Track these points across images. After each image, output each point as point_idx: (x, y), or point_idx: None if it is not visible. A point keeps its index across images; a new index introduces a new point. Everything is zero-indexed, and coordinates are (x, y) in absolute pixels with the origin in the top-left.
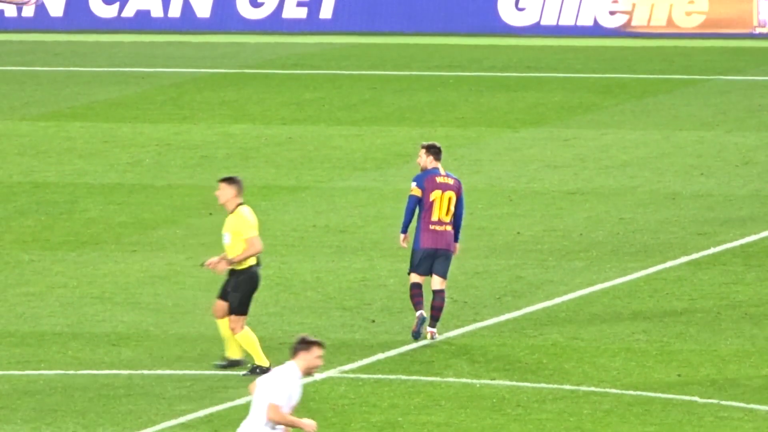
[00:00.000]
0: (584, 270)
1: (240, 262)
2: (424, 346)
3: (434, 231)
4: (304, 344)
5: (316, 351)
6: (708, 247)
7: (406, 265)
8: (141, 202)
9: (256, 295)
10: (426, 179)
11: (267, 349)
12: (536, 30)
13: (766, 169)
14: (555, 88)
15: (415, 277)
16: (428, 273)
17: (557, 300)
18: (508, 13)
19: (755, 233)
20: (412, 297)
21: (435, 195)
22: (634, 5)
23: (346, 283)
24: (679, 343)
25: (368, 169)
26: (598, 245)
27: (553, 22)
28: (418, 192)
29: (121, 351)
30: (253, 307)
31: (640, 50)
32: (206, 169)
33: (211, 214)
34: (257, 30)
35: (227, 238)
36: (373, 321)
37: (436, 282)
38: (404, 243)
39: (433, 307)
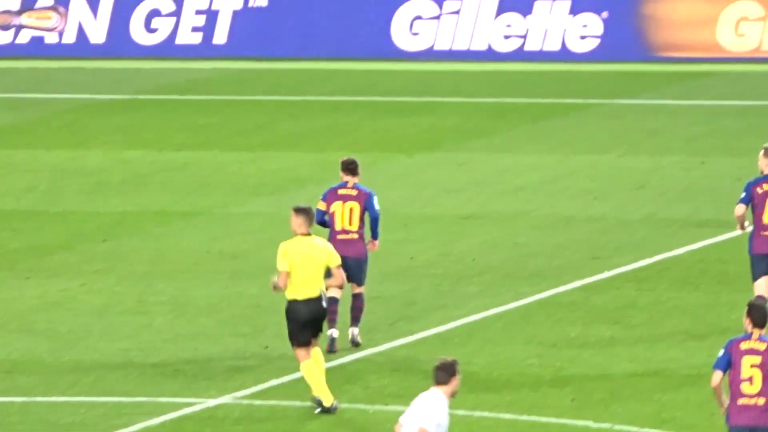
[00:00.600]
0: (478, 295)
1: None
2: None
3: (340, 240)
4: (451, 370)
5: (458, 375)
6: (602, 271)
7: None
8: (36, 228)
9: (152, 322)
10: (329, 192)
11: (161, 376)
12: (430, 55)
13: (659, 193)
14: (449, 113)
15: (331, 291)
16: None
17: (451, 325)
18: (402, 38)
19: (649, 257)
20: (328, 313)
21: (335, 207)
22: (527, 30)
23: (240, 309)
24: (572, 368)
25: (263, 194)
26: (493, 270)
27: (447, 47)
28: (322, 206)
29: (16, 378)
30: (146, 333)
31: (533, 74)
32: (101, 195)
33: (105, 240)
34: (152, 56)
35: None
36: (267, 347)
37: (354, 288)
38: None
39: (352, 309)
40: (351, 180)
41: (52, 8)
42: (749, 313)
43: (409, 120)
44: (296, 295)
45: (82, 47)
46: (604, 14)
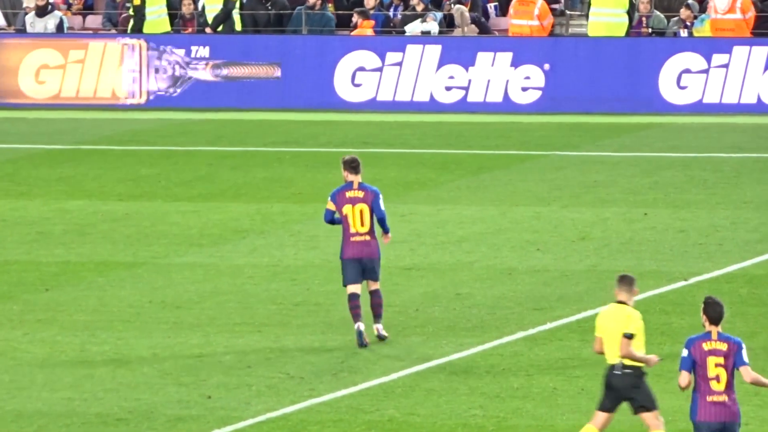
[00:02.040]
0: (420, 345)
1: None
2: (261, 422)
3: (354, 242)
4: None
5: None
6: (544, 323)
7: (243, 341)
8: None
9: (94, 372)
10: (338, 195)
11: (104, 425)
12: (372, 105)
13: (602, 245)
14: (391, 164)
15: (351, 288)
16: (360, 280)
17: (393, 375)
18: (344, 89)
19: (592, 308)
20: (351, 309)
21: (346, 210)
22: (470, 81)
23: (182, 359)
24: (515, 419)
25: (205, 245)
26: (435, 321)
27: (390, 98)
28: (331, 206)
29: None
30: (88, 383)
31: (476, 126)
32: (42, 244)
33: (47, 290)
34: (95, 107)
35: None
36: (209, 397)
37: (371, 285)
38: None
39: (373, 306)
40: (355, 179)
41: None
42: (705, 311)
43: None
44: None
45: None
46: (546, 66)
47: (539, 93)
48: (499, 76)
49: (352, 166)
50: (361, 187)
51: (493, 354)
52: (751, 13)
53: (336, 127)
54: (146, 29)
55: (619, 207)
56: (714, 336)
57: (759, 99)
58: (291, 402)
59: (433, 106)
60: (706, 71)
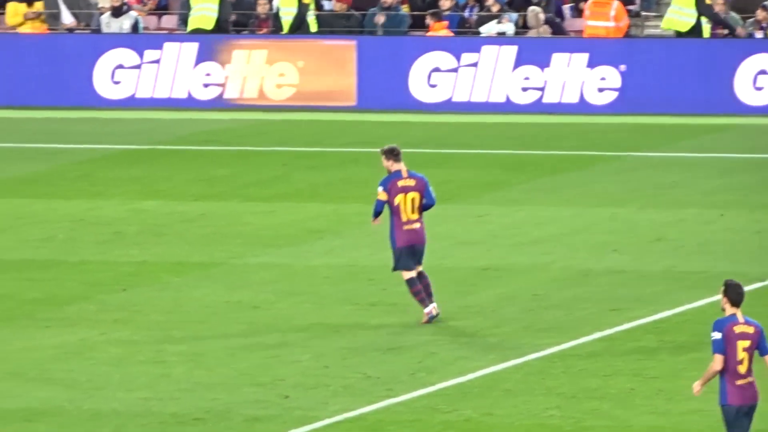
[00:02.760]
0: (497, 346)
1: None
2: (338, 422)
3: (407, 230)
4: None
5: None
6: (621, 323)
7: (319, 341)
8: (54, 278)
9: (171, 372)
10: (390, 184)
11: (181, 425)
12: (448, 107)
13: (678, 246)
14: (467, 165)
15: (408, 274)
16: (413, 266)
17: (470, 376)
18: (419, 90)
19: (668, 309)
20: (415, 294)
21: (399, 199)
22: (545, 82)
23: (259, 359)
24: (592, 420)
25: (280, 245)
26: (511, 321)
27: (465, 99)
28: (384, 196)
29: (35, 427)
30: (165, 383)
31: (552, 127)
32: (118, 245)
33: (123, 290)
34: (170, 107)
35: None
36: (287, 397)
37: (417, 268)
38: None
39: (425, 287)
40: (402, 168)
41: None
42: (727, 293)
43: (426, 172)
44: None
45: (99, 98)
46: (622, 67)
47: (615, 94)
48: (575, 77)
49: (395, 154)
50: (410, 175)
51: (570, 354)
52: None
53: (411, 128)
54: (190, 25)
55: (696, 208)
56: (740, 319)
57: None
58: (368, 402)
59: (508, 107)
60: None
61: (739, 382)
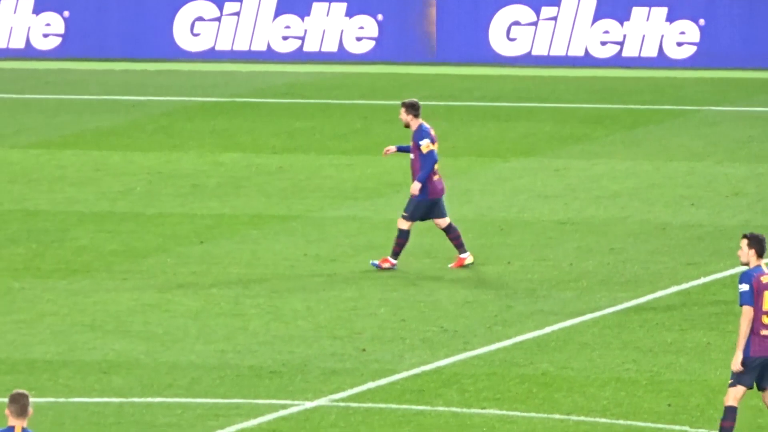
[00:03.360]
0: (574, 300)
1: None
2: (415, 375)
3: (437, 180)
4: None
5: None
6: (698, 277)
7: (397, 294)
8: (132, 231)
9: (248, 325)
10: (431, 135)
11: (258, 378)
12: (527, 60)
13: (755, 200)
14: (546, 119)
15: (447, 221)
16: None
17: (547, 329)
18: (499, 43)
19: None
20: (454, 239)
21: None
22: (624, 36)
23: (337, 312)
24: (668, 373)
25: (359, 198)
26: (588, 275)
27: (545, 53)
28: (434, 146)
29: (112, 379)
30: (242, 336)
31: (630, 81)
32: (197, 197)
33: (202, 242)
34: (249, 59)
35: None
36: (364, 350)
37: (444, 221)
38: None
39: (455, 238)
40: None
41: None
42: (752, 245)
43: (506, 125)
44: None
45: (177, 50)
46: (701, 21)
47: (694, 48)
48: (654, 31)
49: (415, 108)
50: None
51: (647, 308)
52: None
53: (490, 82)
54: None
55: None
56: (766, 270)
57: None
58: (445, 355)
59: (587, 60)
60: None
61: (763, 332)
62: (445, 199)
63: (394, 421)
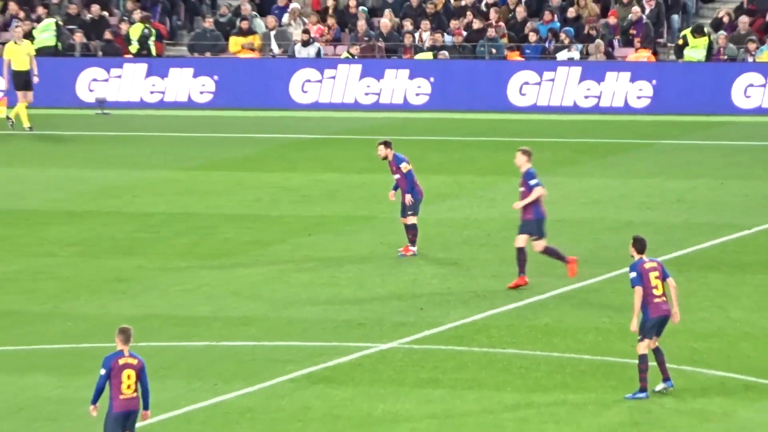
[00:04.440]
0: (566, 274)
1: None
2: (456, 326)
3: None
4: None
5: None
6: (655, 258)
7: (445, 270)
8: (260, 227)
9: (342, 292)
10: (405, 158)
11: (349, 328)
12: (534, 109)
13: (693, 205)
14: (547, 149)
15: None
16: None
17: (548, 294)
18: (514, 96)
19: (689, 247)
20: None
21: None
22: (601, 92)
23: (403, 283)
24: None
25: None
26: (577, 257)
27: (546, 103)
28: (410, 166)
29: (248, 329)
30: (338, 300)
31: (605, 123)
32: (305, 204)
33: (310, 235)
34: (341, 108)
35: None
36: (421, 309)
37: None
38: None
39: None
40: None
41: None
42: (634, 245)
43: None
44: None
45: (293, 103)
46: (654, 81)
47: (649, 100)
48: (622, 89)
49: (391, 143)
50: None
51: (617, 281)
52: None
53: (507, 124)
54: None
55: (705, 179)
56: (646, 259)
57: None
58: (478, 311)
59: (575, 109)
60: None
61: (657, 300)
62: (494, 209)
63: (442, 358)
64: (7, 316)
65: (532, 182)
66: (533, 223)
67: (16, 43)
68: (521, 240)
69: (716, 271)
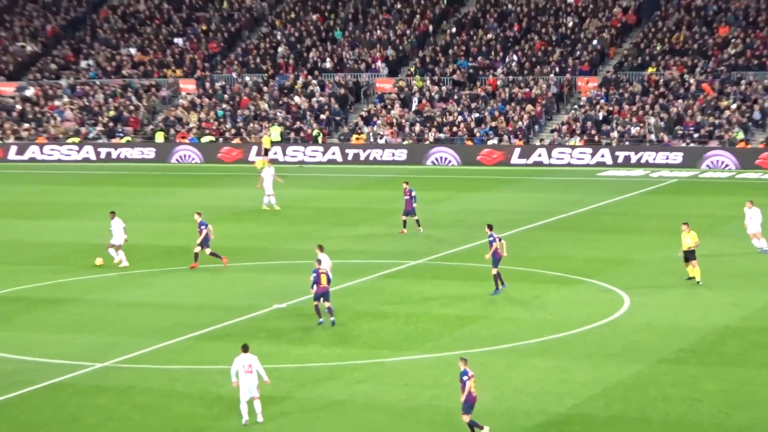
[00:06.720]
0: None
1: None
2: (438, 256)
3: None
4: None
5: None
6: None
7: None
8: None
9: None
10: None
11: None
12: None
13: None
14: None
15: None
16: None
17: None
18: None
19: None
20: None
21: None
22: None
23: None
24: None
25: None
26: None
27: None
28: (415, 192)
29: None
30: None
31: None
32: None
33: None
34: None
35: None
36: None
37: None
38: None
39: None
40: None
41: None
42: (489, 227)
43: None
44: None
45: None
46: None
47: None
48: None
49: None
50: None
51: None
52: None
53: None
54: None
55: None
56: (496, 235)
57: None
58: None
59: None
60: None
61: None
62: None
63: (432, 287)
64: None
65: None
66: None
67: None
68: None
69: None
